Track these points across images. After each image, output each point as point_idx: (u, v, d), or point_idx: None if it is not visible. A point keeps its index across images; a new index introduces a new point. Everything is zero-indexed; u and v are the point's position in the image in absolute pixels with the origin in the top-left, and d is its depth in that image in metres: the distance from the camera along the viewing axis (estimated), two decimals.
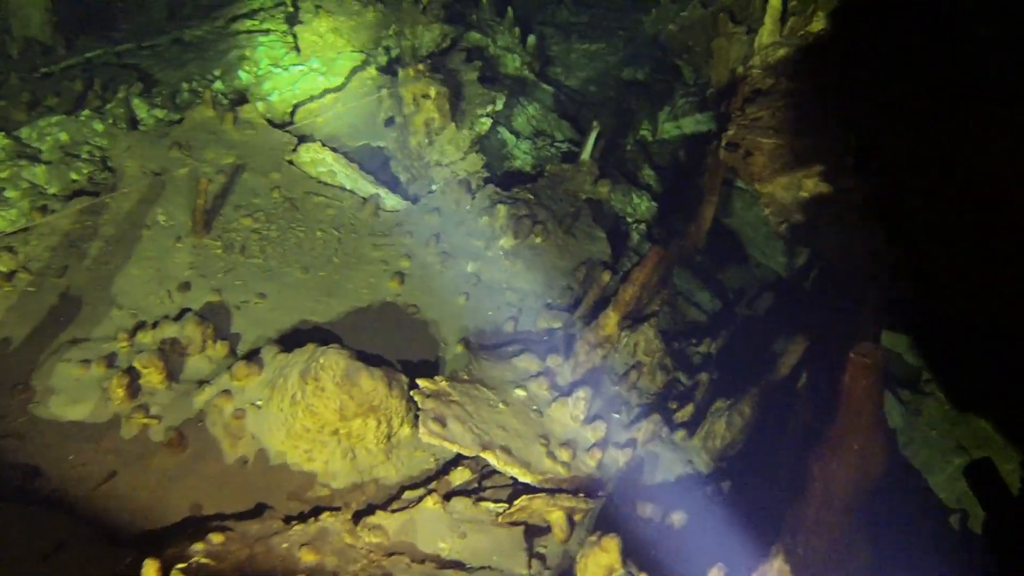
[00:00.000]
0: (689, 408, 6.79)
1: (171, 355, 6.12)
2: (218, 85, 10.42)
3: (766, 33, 7.34)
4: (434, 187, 8.75)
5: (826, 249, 6.13)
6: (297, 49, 10.64)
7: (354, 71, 10.55)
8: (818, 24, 7.31)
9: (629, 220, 10.22)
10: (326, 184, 8.57)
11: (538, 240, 8.11)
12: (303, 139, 9.09)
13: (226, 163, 8.36)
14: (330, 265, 7.76)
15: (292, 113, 9.91)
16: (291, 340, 6.65)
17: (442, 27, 10.34)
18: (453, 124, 8.66)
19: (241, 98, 10.13)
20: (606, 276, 7.17)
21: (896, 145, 5.40)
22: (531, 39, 11.91)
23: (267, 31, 11.51)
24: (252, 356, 6.20)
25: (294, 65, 10.70)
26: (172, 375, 5.96)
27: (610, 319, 6.39)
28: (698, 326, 9.16)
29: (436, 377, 5.97)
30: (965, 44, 5.35)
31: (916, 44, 6.04)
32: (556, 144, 10.99)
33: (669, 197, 11.47)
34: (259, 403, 5.82)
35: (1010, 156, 4.56)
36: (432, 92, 8.49)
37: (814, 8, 7.39)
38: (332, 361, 5.69)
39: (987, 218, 4.67)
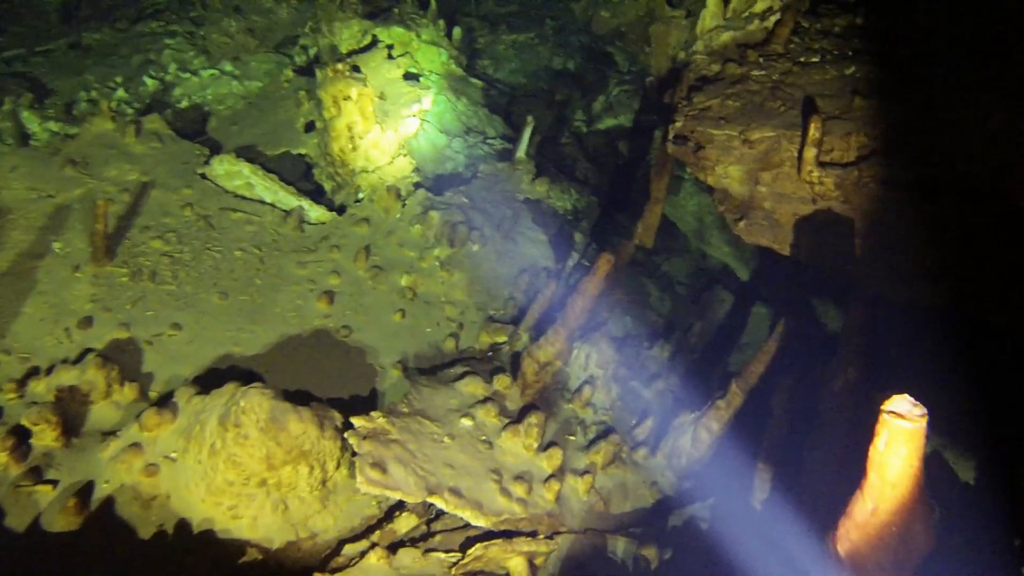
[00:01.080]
0: (649, 423, 6.32)
1: (70, 405, 5.38)
2: (120, 93, 9.57)
3: (708, 16, 6.87)
4: (361, 195, 8.10)
5: (792, 246, 5.68)
6: (207, 51, 9.83)
7: (270, 73, 9.80)
8: (762, 4, 6.87)
9: (569, 217, 9.72)
10: (244, 198, 7.85)
11: (475, 247, 7.54)
12: (216, 150, 8.34)
13: (130, 180, 7.57)
14: (252, 288, 7.06)
15: (204, 121, 9.13)
16: (210, 378, 5.97)
17: (362, 23, 9.65)
18: (378, 127, 8.01)
19: (147, 107, 9.31)
20: (552, 286, 6.65)
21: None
22: (457, 32, 11.29)
23: (173, 33, 10.65)
24: (165, 401, 5.50)
25: (204, 69, 9.89)
26: (70, 430, 5.23)
27: (559, 335, 5.86)
28: (651, 326, 8.73)
29: (373, 413, 5.36)
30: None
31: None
32: (488, 141, 10.41)
33: (610, 189, 11.03)
34: (174, 455, 5.13)
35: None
36: (354, 93, 7.83)
37: None
38: (255, 403, 5.04)
39: None
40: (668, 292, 9.29)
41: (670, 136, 6.39)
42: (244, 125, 8.88)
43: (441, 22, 11.27)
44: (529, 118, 8.50)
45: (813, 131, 5.38)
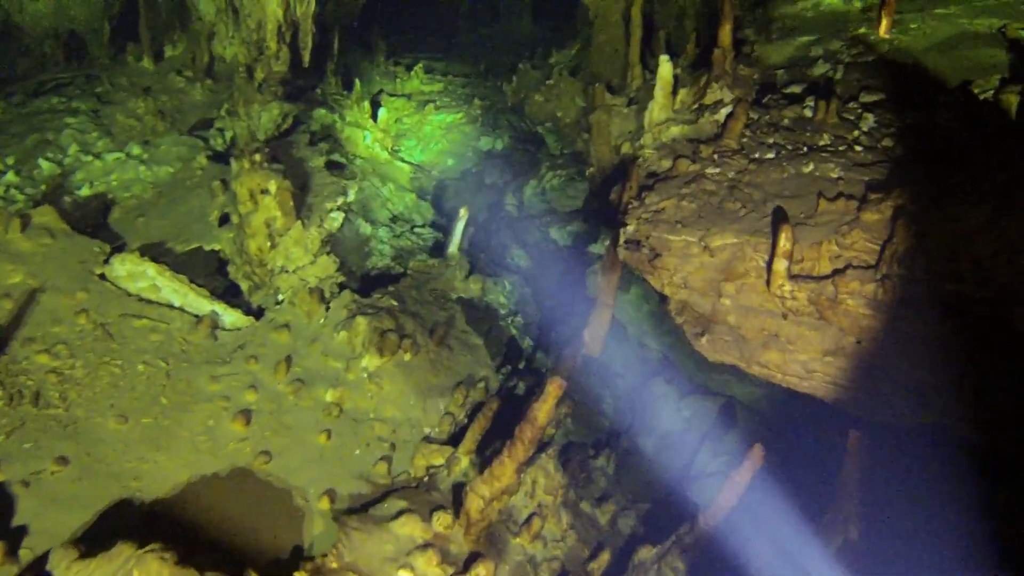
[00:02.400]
0: (605, 556, 5.67)
1: None
2: (10, 177, 8.57)
3: (657, 108, 6.46)
4: (281, 297, 7.32)
5: (760, 366, 5.16)
6: (111, 133, 8.97)
7: (182, 158, 8.99)
8: (713, 95, 6.48)
9: (503, 311, 9.11)
10: (149, 302, 6.97)
11: (407, 357, 6.83)
12: (119, 246, 7.46)
13: (12, 283, 6.63)
14: (157, 408, 6.17)
15: (106, 212, 8.24)
16: (102, 528, 5.05)
17: (281, 105, 8.96)
18: (299, 222, 7.28)
19: (41, 194, 8.35)
20: (493, 404, 5.97)
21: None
22: (383, 114, 10.74)
23: (76, 110, 9.73)
24: (37, 567, 4.56)
25: (109, 152, 9.00)
26: None
27: (507, 467, 5.19)
28: (595, 430, 8.13)
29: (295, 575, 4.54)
30: None
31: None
32: (416, 230, 9.78)
33: (546, 280, 10.49)
34: None
35: None
36: (272, 186, 7.10)
37: (707, 78, 6.57)
38: (152, 573, 4.18)
39: None
40: (612, 391, 8.71)
41: (621, 241, 5.86)
42: (151, 217, 8.02)
43: (366, 103, 10.70)
44: (462, 211, 7.91)
45: (783, 242, 4.95)
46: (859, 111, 6.85)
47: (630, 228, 5.78)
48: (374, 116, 10.78)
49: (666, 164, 6.28)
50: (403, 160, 11.20)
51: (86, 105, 9.79)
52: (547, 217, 10.82)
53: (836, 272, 4.91)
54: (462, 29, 15.81)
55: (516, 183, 11.58)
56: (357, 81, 10.60)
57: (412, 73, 13.31)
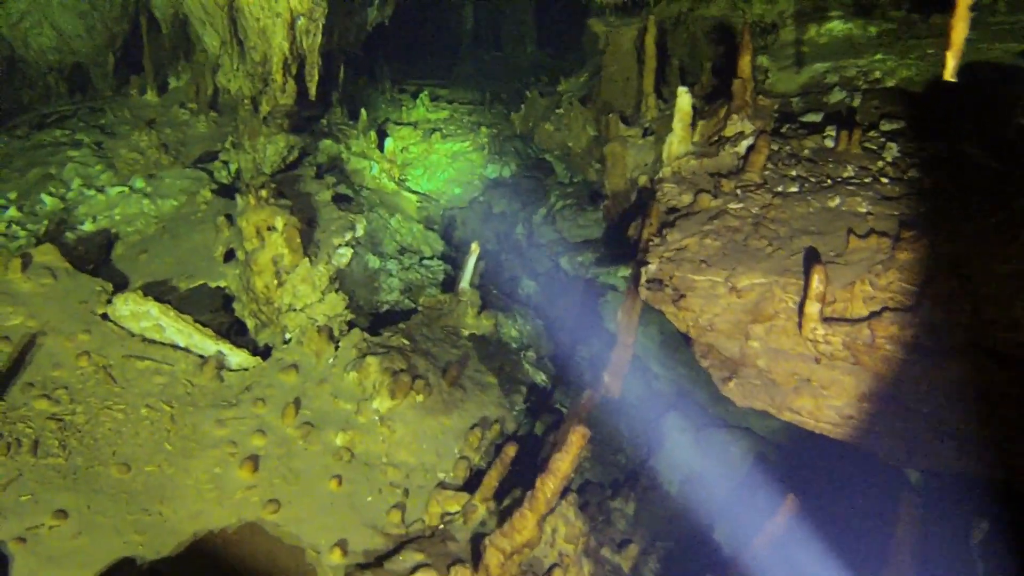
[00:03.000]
0: None
1: None
2: (12, 213, 8.35)
3: (676, 141, 6.23)
4: (288, 336, 7.06)
5: (791, 411, 4.89)
6: (114, 167, 8.75)
7: (186, 191, 8.76)
8: (734, 127, 6.25)
9: (514, 346, 8.84)
10: (153, 342, 6.72)
11: (420, 398, 6.56)
12: (121, 285, 7.22)
13: (12, 325, 6.38)
14: (161, 455, 5.90)
15: (109, 248, 8.00)
16: None
17: (287, 137, 8.76)
18: (306, 259, 7.04)
19: (45, 230, 8.11)
20: (511, 450, 5.70)
21: None
22: (389, 143, 10.54)
23: (79, 143, 9.52)
24: None
25: (112, 186, 8.78)
26: None
27: (528, 520, 4.91)
28: (612, 466, 7.85)
29: None
30: None
31: None
32: (425, 262, 9.54)
33: (556, 310, 10.23)
34: None
35: None
36: (279, 223, 6.86)
37: (727, 110, 6.34)
38: None
39: None
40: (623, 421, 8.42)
41: (643, 280, 5.60)
42: (155, 253, 7.78)
43: (372, 133, 10.50)
44: (474, 245, 7.66)
45: (816, 284, 4.68)
46: (882, 140, 6.63)
47: (652, 267, 5.53)
48: (380, 146, 10.58)
49: (686, 199, 6.04)
50: (410, 190, 10.99)
51: (89, 138, 9.58)
52: (557, 247, 10.58)
53: (872, 315, 4.65)
54: (465, 56, 15.67)
55: (525, 212, 11.35)
56: (363, 111, 10.40)
57: (418, 101, 13.14)
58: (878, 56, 8.18)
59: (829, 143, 6.71)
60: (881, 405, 4.66)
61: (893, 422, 4.66)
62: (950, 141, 6.41)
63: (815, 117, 7.58)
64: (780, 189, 6.01)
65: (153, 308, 6.73)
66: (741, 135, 6.21)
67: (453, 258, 10.25)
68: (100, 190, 8.68)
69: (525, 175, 12.26)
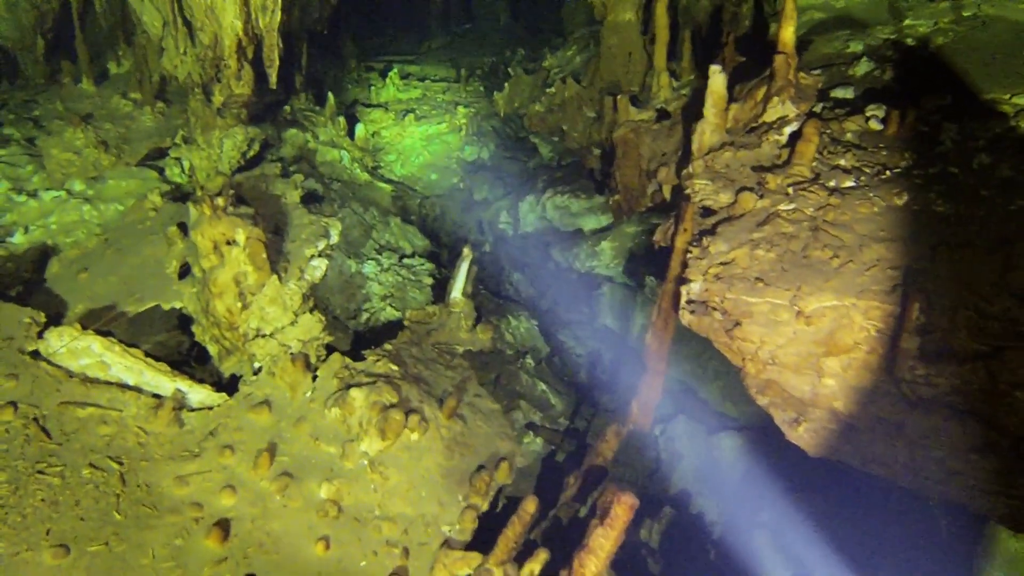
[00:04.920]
0: None
1: None
2: None
3: (708, 129, 5.13)
4: (257, 365, 5.89)
5: (881, 464, 3.88)
6: (45, 168, 7.41)
7: (133, 194, 7.48)
8: (775, 111, 5.16)
9: (509, 352, 7.76)
10: (96, 383, 5.51)
11: (415, 436, 5.47)
12: (56, 315, 5.98)
13: None
14: (108, 528, 4.74)
15: (43, 265, 6.72)
16: None
17: (246, 130, 7.49)
18: (275, 276, 5.86)
19: None
20: (531, 506, 4.64)
21: None
22: (360, 129, 9.29)
23: (6, 139, 8.13)
24: None
25: (47, 189, 7.45)
26: None
27: None
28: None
29: None
30: None
31: None
32: (406, 261, 8.38)
33: (550, 307, 9.15)
34: None
35: None
36: (240, 236, 5.66)
37: (766, 91, 5.23)
38: None
39: None
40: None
41: (684, 301, 4.52)
42: (97, 270, 6.52)
43: (341, 119, 9.23)
44: (466, 250, 6.53)
45: (915, 314, 3.62)
46: (936, 120, 5.58)
47: (696, 286, 4.46)
48: (350, 132, 9.33)
49: (724, 198, 4.96)
50: (384, 179, 9.78)
51: (20, 133, 8.20)
52: (547, 237, 9.49)
53: (990, 352, 3.62)
54: (435, 30, 14.32)
55: (509, 198, 10.22)
56: (330, 95, 9.13)
57: (387, 80, 11.83)
58: (907, 21, 7.12)
59: (875, 125, 5.65)
60: (1002, 461, 3.65)
61: (1016, 478, 3.66)
62: (1011, 117, 5.40)
63: (847, 93, 6.54)
64: (833, 184, 4.95)
65: (95, 343, 5.52)
66: (784, 121, 5.14)
67: (436, 254, 9.11)
68: (32, 195, 7.36)
69: (506, 157, 11.10)
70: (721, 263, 4.53)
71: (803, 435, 4.16)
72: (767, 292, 4.29)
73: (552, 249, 9.28)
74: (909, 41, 6.91)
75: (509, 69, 10.07)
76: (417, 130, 10.82)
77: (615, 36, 7.39)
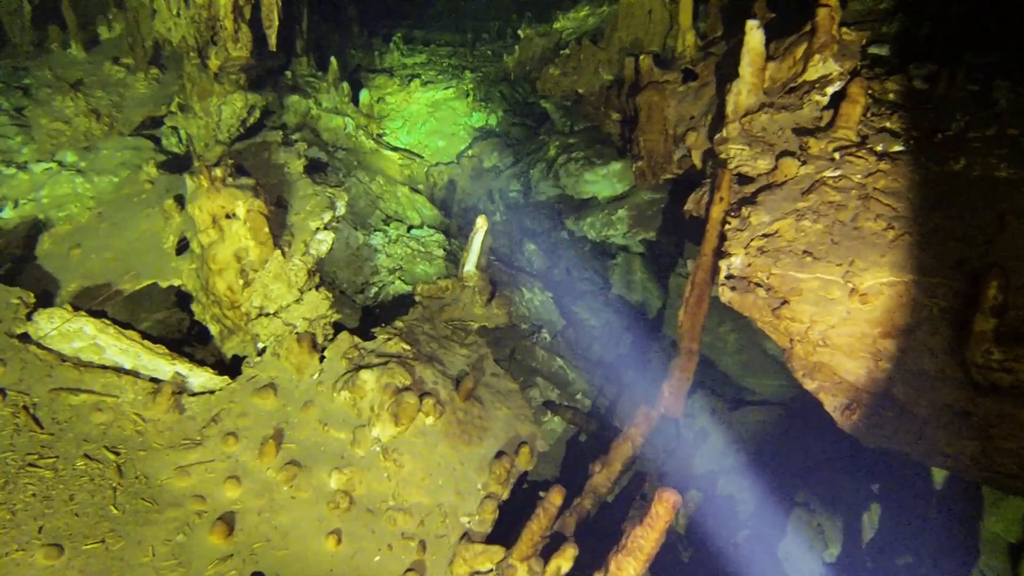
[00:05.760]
0: None
1: None
2: None
3: (745, 89, 4.66)
4: (262, 346, 5.49)
5: (945, 456, 3.49)
6: (35, 140, 6.95)
7: (127, 164, 7.02)
8: (816, 70, 4.69)
9: (524, 326, 7.35)
10: (89, 367, 5.12)
11: (430, 420, 5.08)
12: (47, 295, 5.57)
13: None
14: (105, 524, 4.38)
15: (34, 241, 6.29)
16: None
17: (246, 96, 7.00)
18: (278, 252, 5.43)
19: None
20: (556, 498, 4.27)
21: None
22: (364, 95, 8.79)
23: None
24: None
25: (38, 162, 7.00)
26: None
27: None
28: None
29: None
30: None
31: None
32: (414, 232, 7.94)
33: (564, 278, 8.72)
34: None
35: None
36: (241, 209, 5.23)
37: (806, 48, 4.75)
38: None
39: None
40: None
41: (722, 277, 4.09)
42: (91, 246, 6.09)
43: (344, 85, 8.72)
44: (480, 220, 6.08)
45: (992, 292, 3.20)
46: (985, 78, 5.10)
47: (737, 260, 4.03)
48: (354, 98, 8.83)
49: (763, 164, 4.50)
50: (390, 146, 9.30)
51: (9, 102, 7.71)
52: (559, 205, 9.03)
53: None
54: None
55: (519, 166, 9.74)
56: (333, 59, 8.61)
57: (391, 44, 11.28)
58: None
59: (919, 84, 5.17)
60: None
61: None
62: None
63: (881, 50, 6.05)
64: (881, 148, 4.49)
65: (87, 325, 5.12)
66: (826, 80, 4.66)
67: (445, 224, 8.67)
68: (22, 167, 6.90)
69: (514, 123, 10.59)
70: (764, 235, 4.09)
71: (857, 423, 3.75)
72: (817, 267, 3.86)
73: (565, 218, 8.83)
74: None
75: (519, 31, 9.53)
76: (423, 96, 10.31)
77: None
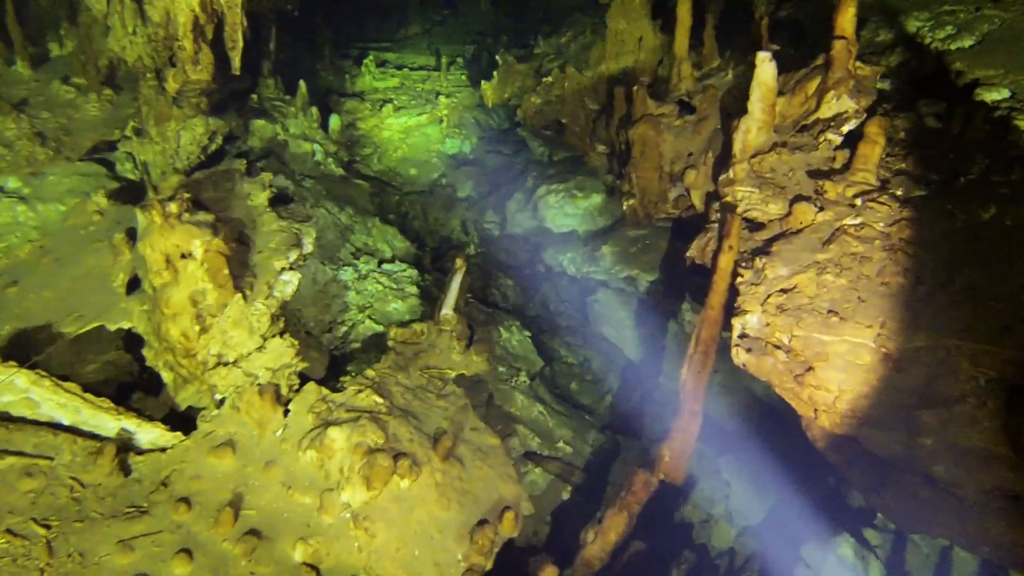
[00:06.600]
0: None
1: None
2: None
3: (755, 127, 4.26)
4: (220, 397, 4.92)
5: (994, 547, 3.06)
6: None
7: (75, 192, 6.42)
8: (830, 107, 4.31)
9: (502, 368, 6.85)
10: (22, 423, 4.51)
11: (405, 483, 4.56)
12: None
13: None
14: None
15: None
16: None
17: (207, 121, 6.46)
18: (239, 295, 4.89)
19: None
20: (547, 568, 3.76)
21: None
22: (335, 120, 8.28)
23: None
24: None
25: None
26: None
27: None
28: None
29: None
30: None
31: None
32: (385, 267, 7.41)
33: (543, 316, 8.25)
34: None
35: None
36: (198, 248, 4.68)
37: (820, 83, 4.37)
38: None
39: None
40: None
41: (735, 335, 3.65)
42: (30, 284, 5.48)
43: (314, 109, 8.19)
44: (459, 261, 5.62)
45: None
46: (1002, 117, 4.77)
47: (753, 319, 3.60)
48: (324, 124, 8.32)
49: (775, 208, 4.10)
50: (360, 174, 8.78)
51: None
52: (537, 238, 8.57)
53: None
54: (413, 15, 13.25)
55: (495, 196, 9.28)
56: (302, 82, 8.09)
57: (363, 67, 10.77)
58: (945, 7, 6.30)
59: (931, 123, 4.83)
60: None
61: None
62: None
63: (881, 84, 5.72)
64: (902, 193, 4.10)
65: (19, 377, 4.51)
66: (842, 118, 4.28)
67: (418, 257, 8.16)
68: None
69: (490, 151, 10.14)
70: (782, 290, 3.67)
71: (890, 504, 3.32)
72: (844, 328, 3.44)
73: (544, 251, 8.37)
74: (949, 29, 6.09)
75: (497, 57, 9.11)
76: (395, 122, 9.82)
77: (623, 19, 6.46)
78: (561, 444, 6.58)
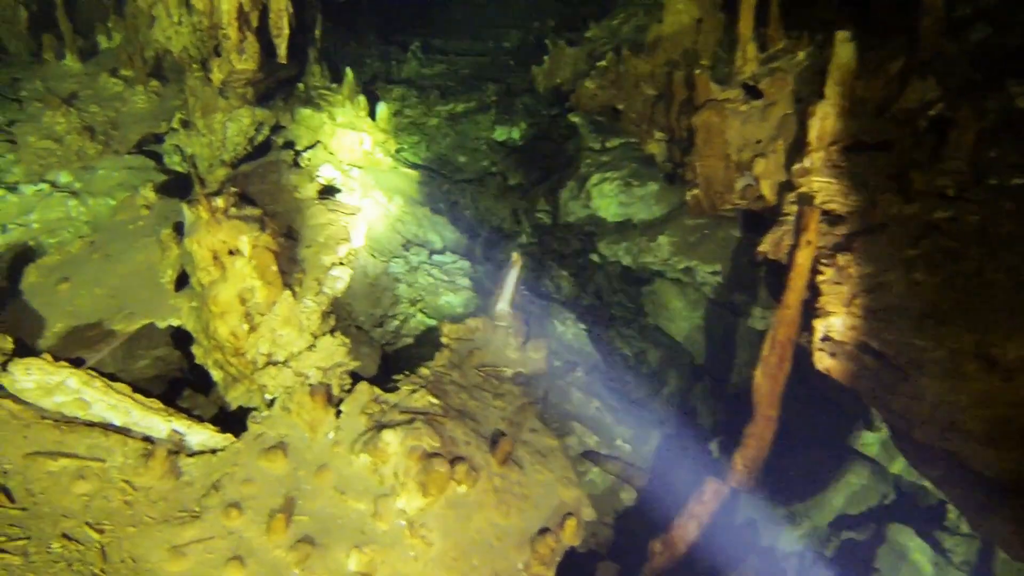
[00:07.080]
0: None
1: None
2: None
3: (833, 112, 3.93)
4: (270, 397, 4.79)
5: None
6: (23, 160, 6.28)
7: (124, 186, 6.34)
8: (915, 92, 3.96)
9: (557, 363, 6.62)
10: (73, 425, 4.43)
11: (462, 489, 4.37)
12: (29, 336, 4.87)
13: None
14: None
15: (18, 271, 5.60)
16: None
17: (253, 112, 6.32)
18: (288, 292, 4.74)
19: None
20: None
21: None
22: (382, 109, 8.08)
23: None
24: None
25: (26, 183, 6.32)
26: None
27: None
28: None
29: None
30: None
31: None
32: (436, 258, 7.23)
33: (598, 308, 7.99)
34: None
35: None
36: (246, 245, 4.53)
37: (902, 65, 4.03)
38: None
39: None
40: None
41: (817, 338, 3.36)
42: (80, 280, 5.41)
43: (361, 98, 8.00)
44: (515, 255, 5.40)
45: None
46: None
47: (837, 322, 3.31)
48: (371, 112, 8.14)
49: (855, 200, 3.77)
50: (408, 163, 8.60)
51: (3, 116, 7.04)
52: (591, 227, 8.31)
53: None
54: (457, 1, 13.00)
55: (547, 184, 9.03)
56: (348, 70, 7.90)
57: (409, 54, 10.57)
58: None
59: (1022, 103, 4.42)
60: None
61: None
62: None
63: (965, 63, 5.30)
64: (997, 183, 3.75)
65: (72, 377, 4.42)
66: (928, 101, 3.93)
67: (469, 248, 7.96)
68: (12, 188, 6.23)
69: (540, 137, 9.88)
70: (868, 290, 3.36)
71: (998, 531, 3.01)
72: (942, 333, 3.12)
73: (598, 241, 8.09)
74: None
75: (547, 41, 8.83)
76: (443, 108, 9.61)
77: (683, 0, 6.13)
78: (619, 442, 6.35)
